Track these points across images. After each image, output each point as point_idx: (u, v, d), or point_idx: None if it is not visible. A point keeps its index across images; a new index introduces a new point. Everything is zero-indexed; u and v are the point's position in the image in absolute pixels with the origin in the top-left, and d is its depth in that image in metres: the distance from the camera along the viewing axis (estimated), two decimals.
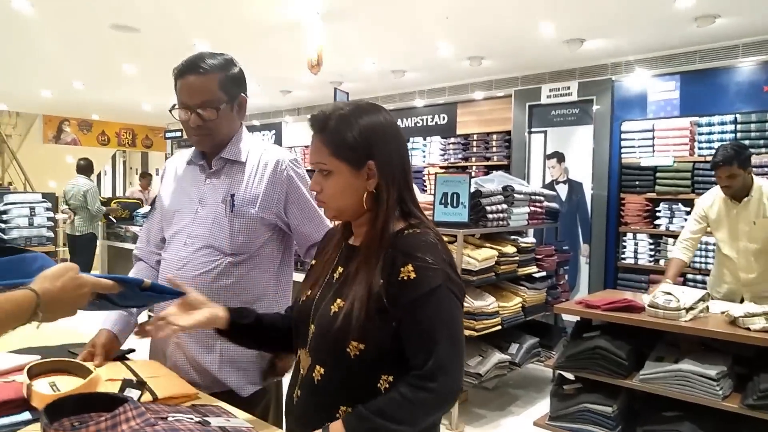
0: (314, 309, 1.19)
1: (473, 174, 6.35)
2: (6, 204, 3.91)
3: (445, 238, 3.71)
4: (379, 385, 1.12)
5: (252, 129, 9.48)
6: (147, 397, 1.23)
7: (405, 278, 1.09)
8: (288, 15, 4.41)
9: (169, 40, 5.21)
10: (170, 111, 1.57)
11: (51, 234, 4.07)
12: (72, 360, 1.25)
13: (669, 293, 2.65)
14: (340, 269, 1.21)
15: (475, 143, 6.69)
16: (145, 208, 6.94)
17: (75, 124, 10.61)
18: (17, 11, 4.37)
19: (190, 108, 1.50)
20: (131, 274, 1.66)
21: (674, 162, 4.91)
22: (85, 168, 6.91)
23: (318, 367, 1.15)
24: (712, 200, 3.19)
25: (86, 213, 6.73)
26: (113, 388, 1.21)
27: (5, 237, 3.84)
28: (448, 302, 1.10)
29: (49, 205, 4.08)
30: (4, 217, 3.87)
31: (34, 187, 10.82)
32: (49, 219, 4.04)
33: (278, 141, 9.11)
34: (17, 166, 11.18)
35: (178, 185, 1.65)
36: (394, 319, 1.10)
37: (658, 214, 5.03)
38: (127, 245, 6.92)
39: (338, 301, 1.14)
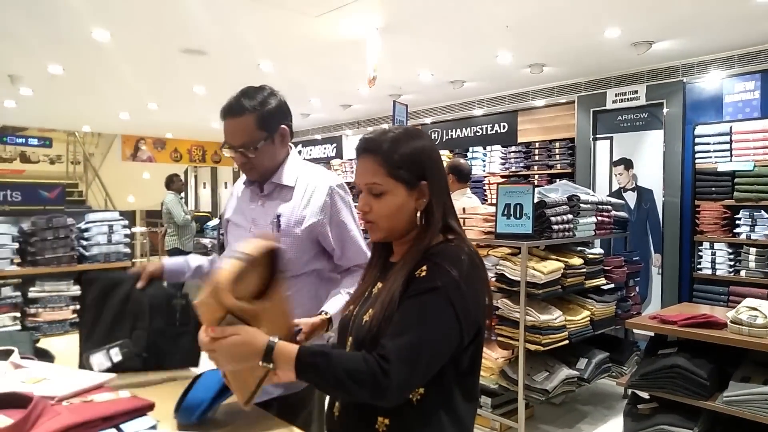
0: (352, 322, 1.23)
1: (536, 182, 6.21)
2: (87, 222, 4.14)
3: (508, 251, 3.63)
4: (411, 396, 1.12)
5: (313, 143, 9.69)
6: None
7: (416, 275, 1.12)
8: (348, 32, 4.48)
9: (236, 62, 5.43)
10: (220, 149, 1.70)
11: (128, 250, 4.27)
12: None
13: (754, 308, 2.48)
14: (379, 284, 1.23)
15: (537, 151, 6.55)
16: (215, 221, 7.22)
17: (150, 142, 11.22)
18: (97, 41, 4.68)
19: (233, 147, 1.61)
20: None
21: (755, 167, 4.60)
22: (165, 183, 7.14)
23: None
24: None
25: (172, 228, 6.90)
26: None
27: (87, 254, 4.07)
28: (440, 308, 1.09)
29: (126, 222, 4.29)
30: (86, 234, 4.10)
31: (114, 201, 11.56)
32: (125, 236, 4.25)
33: (339, 154, 9.26)
34: (99, 182, 11.97)
35: (238, 204, 1.78)
36: None
37: (737, 221, 4.72)
38: None
39: (370, 311, 1.17)
